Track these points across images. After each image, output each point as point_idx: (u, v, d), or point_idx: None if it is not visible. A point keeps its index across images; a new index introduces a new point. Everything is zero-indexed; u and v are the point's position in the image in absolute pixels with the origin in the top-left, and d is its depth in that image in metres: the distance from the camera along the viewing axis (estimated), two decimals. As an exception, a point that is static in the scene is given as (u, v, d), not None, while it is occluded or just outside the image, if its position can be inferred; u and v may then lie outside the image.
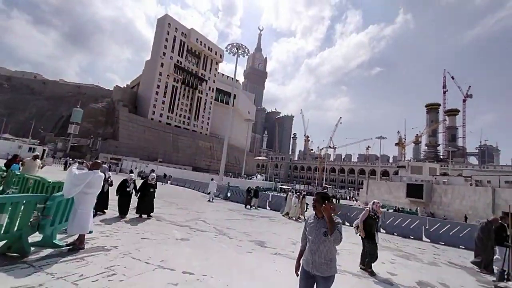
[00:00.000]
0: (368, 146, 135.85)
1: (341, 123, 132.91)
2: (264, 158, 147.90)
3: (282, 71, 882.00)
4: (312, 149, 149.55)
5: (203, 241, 6.46)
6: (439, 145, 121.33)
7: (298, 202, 12.90)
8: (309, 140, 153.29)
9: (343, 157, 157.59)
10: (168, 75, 78.91)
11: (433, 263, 7.38)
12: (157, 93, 76.54)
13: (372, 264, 5.65)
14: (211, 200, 17.19)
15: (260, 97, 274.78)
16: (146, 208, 8.25)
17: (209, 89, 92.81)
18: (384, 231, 12.12)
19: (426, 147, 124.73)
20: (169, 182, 30.31)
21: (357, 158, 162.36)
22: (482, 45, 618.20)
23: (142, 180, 8.58)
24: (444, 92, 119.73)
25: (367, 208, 5.91)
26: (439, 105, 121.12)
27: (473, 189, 30.64)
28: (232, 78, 44.98)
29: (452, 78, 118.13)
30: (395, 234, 11.73)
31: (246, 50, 43.72)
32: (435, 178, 39.76)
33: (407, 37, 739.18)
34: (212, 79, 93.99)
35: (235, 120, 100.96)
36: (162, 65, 77.30)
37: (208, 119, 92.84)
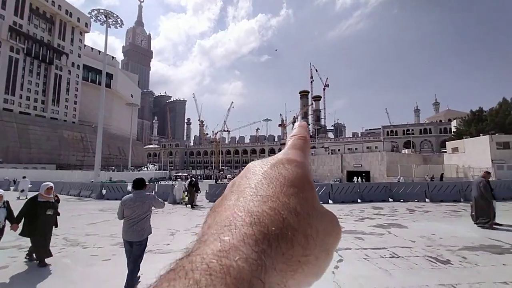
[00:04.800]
0: (258, 128, 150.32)
1: (233, 107, 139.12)
2: (156, 146, 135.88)
3: (173, 50, 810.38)
4: (207, 134, 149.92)
5: None
6: (309, 124, 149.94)
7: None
8: (203, 124, 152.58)
9: (237, 139, 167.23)
10: (-2, 42, 56.01)
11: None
12: (-22, 65, 53.19)
13: None
14: (20, 198, 14.72)
15: (146, 79, 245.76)
16: (38, 249, 4.51)
17: (73, 66, 73.26)
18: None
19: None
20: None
21: (249, 139, 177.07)
22: (338, 44, 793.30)
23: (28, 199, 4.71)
24: (311, 82, 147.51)
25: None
26: (308, 92, 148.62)
27: (329, 157, 39.60)
28: (101, 53, 37.21)
29: (316, 70, 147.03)
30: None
31: (119, 20, 36.87)
32: (306, 151, 48.79)
33: (289, 30, 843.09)
34: (76, 52, 74.25)
35: (115, 104, 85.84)
36: (-16, 25, 53.74)
37: (75, 103, 73.97)
